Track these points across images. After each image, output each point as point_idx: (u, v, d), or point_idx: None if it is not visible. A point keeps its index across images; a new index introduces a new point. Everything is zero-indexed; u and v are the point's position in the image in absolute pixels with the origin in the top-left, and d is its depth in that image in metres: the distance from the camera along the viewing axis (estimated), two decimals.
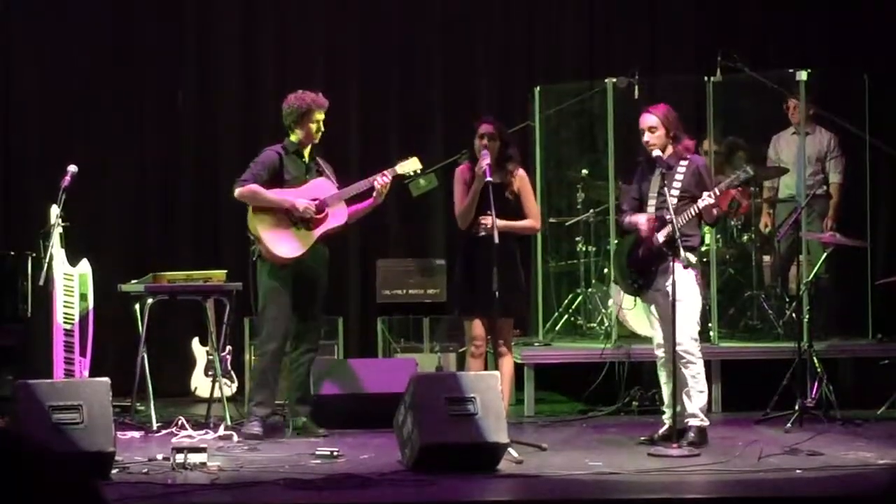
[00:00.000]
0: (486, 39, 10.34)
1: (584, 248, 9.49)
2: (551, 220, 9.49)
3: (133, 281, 7.91)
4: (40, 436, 5.69)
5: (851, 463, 6.40)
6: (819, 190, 9.08)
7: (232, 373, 8.84)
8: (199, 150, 9.96)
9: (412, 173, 7.72)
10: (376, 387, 7.74)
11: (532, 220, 7.30)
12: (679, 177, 6.89)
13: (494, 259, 6.71)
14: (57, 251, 7.63)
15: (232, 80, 10.08)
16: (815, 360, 7.90)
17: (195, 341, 9.23)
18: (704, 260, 8.38)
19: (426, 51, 10.30)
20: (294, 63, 9.97)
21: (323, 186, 7.48)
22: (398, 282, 9.37)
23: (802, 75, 8.69)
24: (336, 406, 7.74)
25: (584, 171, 9.47)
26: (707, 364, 7.25)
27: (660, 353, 7.03)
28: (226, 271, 7.94)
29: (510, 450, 6.35)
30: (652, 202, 6.95)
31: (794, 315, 8.47)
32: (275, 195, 7.37)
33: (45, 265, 7.56)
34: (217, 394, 7.88)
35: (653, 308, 7.06)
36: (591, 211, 9.42)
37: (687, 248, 6.71)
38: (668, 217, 6.70)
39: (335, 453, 6.54)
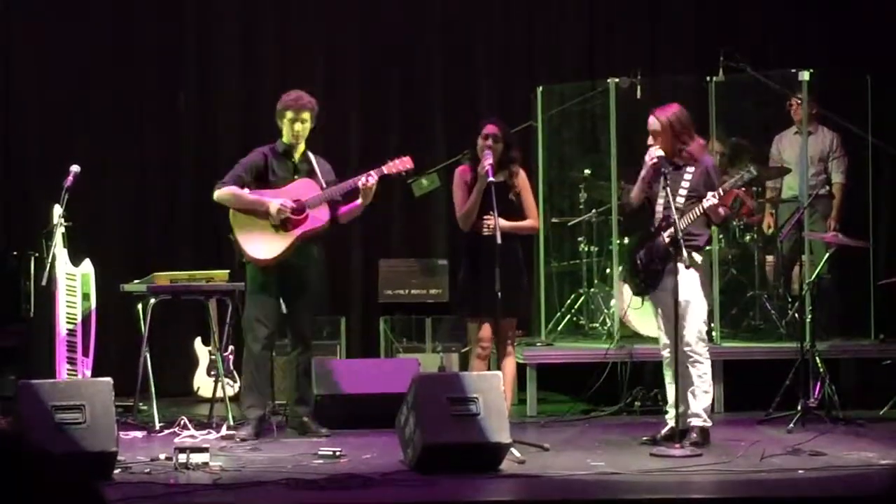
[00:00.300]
0: (486, 39, 10.33)
1: (586, 249, 9.48)
2: (554, 220, 9.49)
3: (135, 281, 7.90)
4: (43, 436, 5.69)
5: (854, 463, 6.39)
6: (822, 190, 9.06)
7: (234, 373, 8.82)
8: (199, 150, 9.94)
9: (404, 173, 7.53)
10: (378, 387, 7.73)
11: (533, 220, 7.31)
12: (688, 177, 6.87)
13: (497, 259, 6.71)
14: (59, 251, 7.62)
15: (232, 80, 10.07)
16: (818, 361, 7.88)
17: (197, 341, 9.23)
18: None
19: (426, 51, 10.28)
20: (294, 63, 9.96)
21: (305, 187, 7.37)
22: (400, 282, 9.38)
23: (805, 75, 8.69)
24: (338, 406, 7.74)
25: (587, 172, 9.46)
26: None
27: (666, 353, 7.01)
28: (228, 271, 7.93)
29: (512, 450, 6.35)
30: (660, 201, 6.94)
31: (796, 315, 8.47)
32: (253, 197, 7.30)
33: (48, 265, 7.54)
34: (219, 394, 7.89)
35: (659, 309, 7.05)
36: (594, 211, 9.41)
37: (693, 248, 6.71)
38: (671, 218, 6.69)
39: (337, 453, 6.54)
